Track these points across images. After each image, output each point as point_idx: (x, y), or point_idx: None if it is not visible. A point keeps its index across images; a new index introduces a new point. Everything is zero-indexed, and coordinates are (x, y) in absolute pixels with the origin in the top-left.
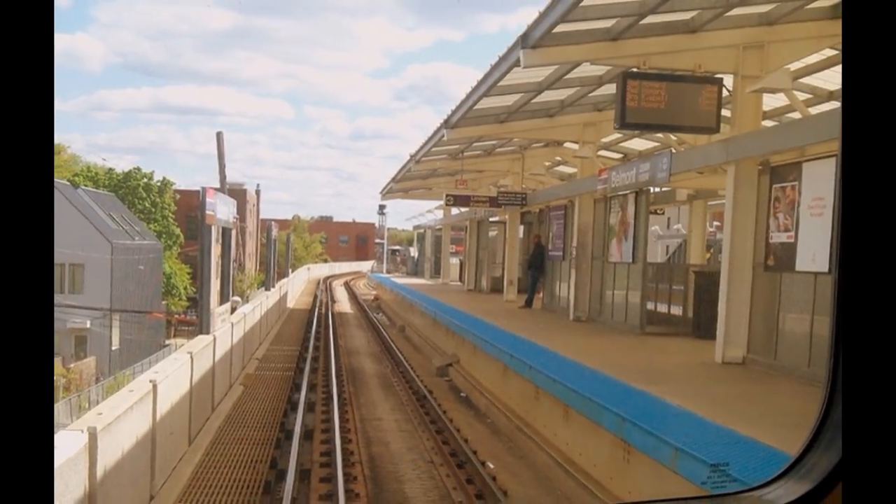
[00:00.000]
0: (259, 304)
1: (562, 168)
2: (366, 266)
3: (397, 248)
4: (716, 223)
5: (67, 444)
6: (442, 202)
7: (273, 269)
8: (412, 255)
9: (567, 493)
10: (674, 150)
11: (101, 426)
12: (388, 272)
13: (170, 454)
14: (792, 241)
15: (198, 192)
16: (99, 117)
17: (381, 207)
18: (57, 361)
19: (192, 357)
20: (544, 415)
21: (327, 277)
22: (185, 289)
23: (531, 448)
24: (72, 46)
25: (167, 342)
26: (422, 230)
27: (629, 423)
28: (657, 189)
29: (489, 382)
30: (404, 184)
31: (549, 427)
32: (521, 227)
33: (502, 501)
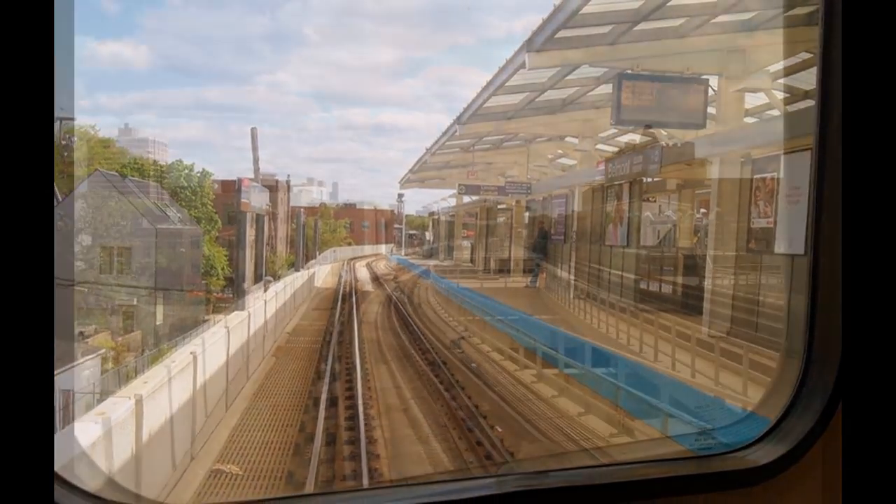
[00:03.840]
0: (289, 283)
1: (563, 160)
2: (385, 249)
3: (414, 232)
4: (702, 210)
5: (117, 410)
6: (455, 191)
7: (302, 251)
8: (427, 239)
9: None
10: (664, 144)
11: (146, 393)
12: (405, 255)
13: (209, 418)
14: (771, 226)
15: (234, 182)
16: (145, 114)
17: (400, 196)
18: (106, 335)
19: (228, 331)
20: (548, 383)
21: (351, 259)
22: (223, 269)
23: (536, 413)
24: (121, 50)
25: (206, 318)
26: (436, 216)
27: (624, 390)
28: (649, 179)
29: (497, 354)
30: (421, 174)
31: (552, 393)
32: (526, 214)
33: (509, 462)
